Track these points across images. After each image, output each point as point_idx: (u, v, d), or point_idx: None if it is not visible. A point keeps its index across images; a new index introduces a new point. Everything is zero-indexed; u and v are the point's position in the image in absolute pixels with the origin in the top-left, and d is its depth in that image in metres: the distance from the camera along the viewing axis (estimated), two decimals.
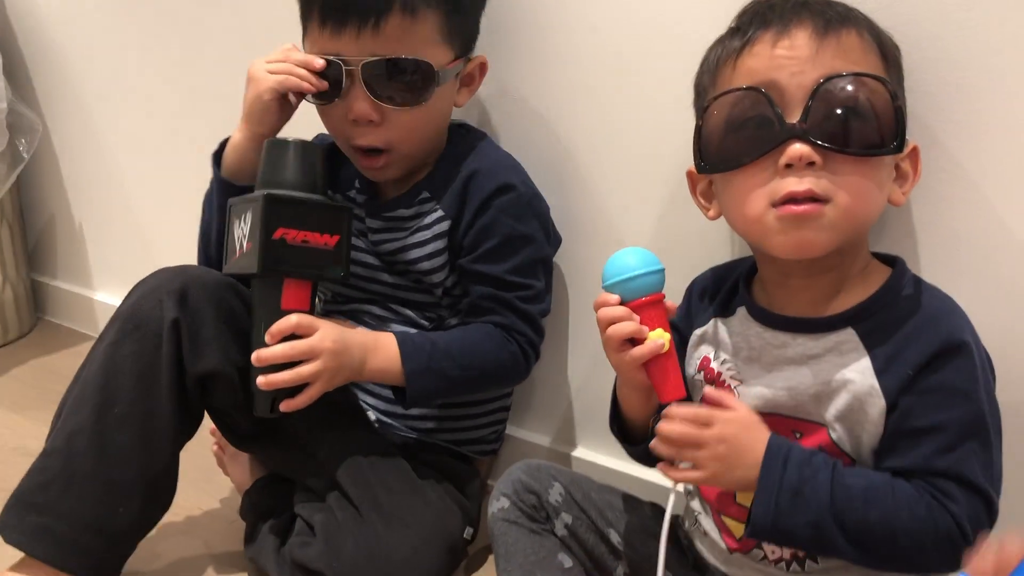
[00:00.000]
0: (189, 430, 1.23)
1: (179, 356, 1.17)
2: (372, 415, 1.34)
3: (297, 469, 1.30)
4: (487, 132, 1.39)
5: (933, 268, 1.09)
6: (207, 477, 1.51)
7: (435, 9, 1.20)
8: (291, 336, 1.13)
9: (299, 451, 1.27)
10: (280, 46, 1.25)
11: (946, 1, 1.04)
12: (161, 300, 1.17)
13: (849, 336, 0.98)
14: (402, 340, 1.21)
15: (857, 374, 0.95)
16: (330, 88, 1.21)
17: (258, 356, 1.12)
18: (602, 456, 1.45)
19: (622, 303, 1.00)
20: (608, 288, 1.01)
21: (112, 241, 2.11)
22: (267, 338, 1.12)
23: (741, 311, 1.08)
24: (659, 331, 0.99)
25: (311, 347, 1.12)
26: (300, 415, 1.22)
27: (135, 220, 2.04)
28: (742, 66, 0.98)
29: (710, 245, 1.24)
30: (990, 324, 0.99)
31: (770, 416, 1.00)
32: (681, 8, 1.21)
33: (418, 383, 1.20)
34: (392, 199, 1.32)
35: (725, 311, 1.10)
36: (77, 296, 2.19)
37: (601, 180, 1.35)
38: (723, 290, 1.12)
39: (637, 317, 0.99)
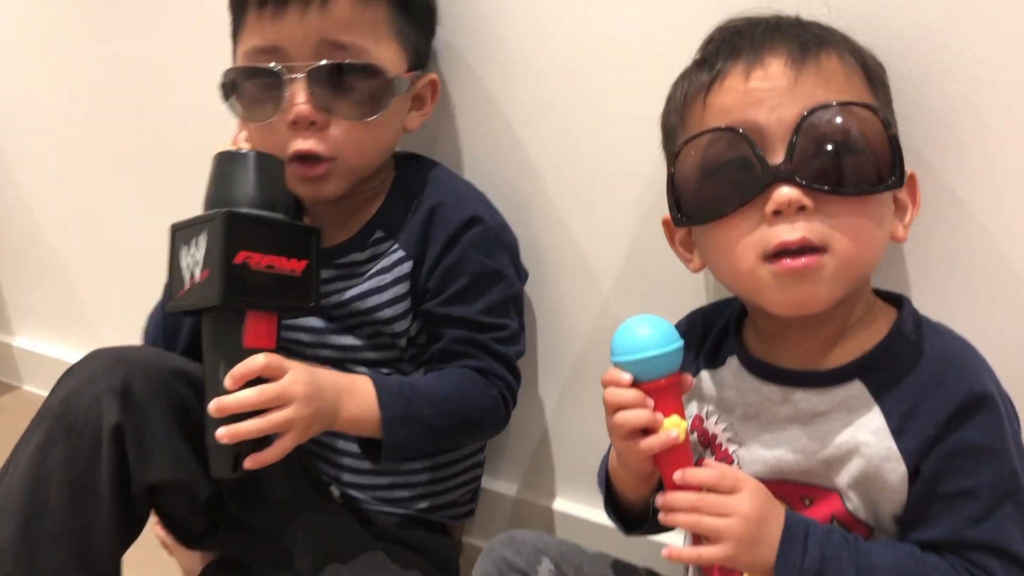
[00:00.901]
0: (133, 535, 1.10)
1: (122, 463, 1.03)
2: (335, 490, 1.22)
3: (257, 560, 1.18)
4: (439, 159, 1.27)
5: (925, 300, 0.99)
6: (152, 554, 1.37)
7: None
8: (256, 379, 0.97)
9: (259, 540, 1.15)
10: None
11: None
12: (99, 398, 1.02)
13: (858, 390, 0.88)
14: (379, 383, 1.08)
15: (871, 435, 0.86)
16: (269, 100, 1.08)
17: (218, 405, 0.94)
18: (583, 507, 1.36)
19: (635, 383, 0.87)
20: (620, 365, 0.87)
21: (31, 282, 1.99)
22: (228, 382, 0.96)
23: (732, 361, 0.98)
24: (675, 418, 0.86)
25: (282, 391, 0.97)
26: (259, 497, 1.11)
27: (55, 260, 1.92)
28: (713, 104, 0.88)
29: (694, 277, 1.14)
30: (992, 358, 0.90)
31: (776, 483, 0.90)
32: (650, 18, 1.10)
33: (396, 433, 1.07)
34: (341, 244, 1.18)
35: (714, 361, 1.00)
36: None
37: (567, 206, 1.25)
38: (710, 337, 1.02)
39: (651, 402, 0.86)
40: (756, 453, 0.93)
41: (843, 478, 0.88)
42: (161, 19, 1.55)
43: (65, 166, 1.82)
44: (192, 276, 0.97)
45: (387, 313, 1.16)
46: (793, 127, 0.83)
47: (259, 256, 0.96)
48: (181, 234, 0.99)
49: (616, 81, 1.15)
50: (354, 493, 1.22)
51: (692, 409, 1.00)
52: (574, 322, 1.29)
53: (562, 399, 1.35)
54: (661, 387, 0.86)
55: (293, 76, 1.06)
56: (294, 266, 0.99)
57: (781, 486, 0.90)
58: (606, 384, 0.88)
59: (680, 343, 0.86)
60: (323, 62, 1.07)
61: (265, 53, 1.09)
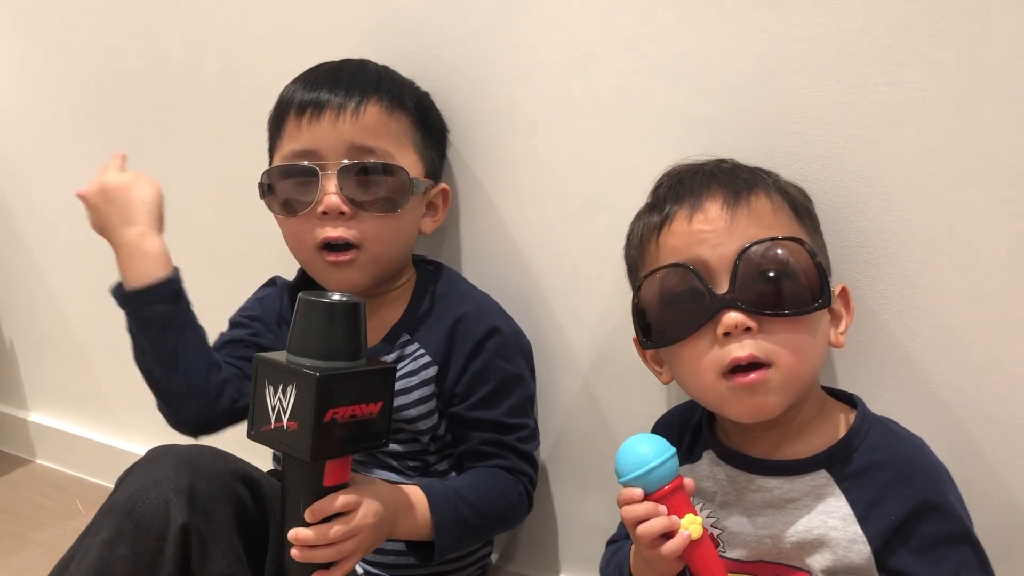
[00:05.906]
0: None
1: (184, 561, 1.11)
2: (359, 568, 1.31)
3: None
4: (446, 259, 1.42)
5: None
6: None
7: (408, 114, 1.27)
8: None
9: None
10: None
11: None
12: (167, 499, 1.10)
13: (825, 479, 1.01)
14: (428, 492, 1.19)
15: (839, 521, 0.98)
16: (303, 194, 1.22)
17: (296, 536, 1.03)
18: None
19: (645, 496, 0.96)
20: (628, 483, 0.96)
21: (47, 359, 2.06)
22: (307, 516, 1.04)
23: (708, 455, 1.09)
24: (690, 517, 0.94)
25: (356, 527, 1.05)
26: None
27: (71, 337, 1.99)
28: (665, 244, 1.02)
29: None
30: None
31: (754, 564, 1.02)
32: (639, 143, 1.24)
33: (446, 537, 1.18)
34: (372, 347, 1.28)
35: (690, 458, 1.11)
36: (9, 417, 2.13)
37: (559, 307, 1.38)
38: (686, 436, 1.13)
39: (664, 508, 0.94)
40: (736, 537, 1.04)
41: (814, 560, 0.99)
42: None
43: (83, 243, 1.80)
44: (279, 419, 1.03)
45: (413, 412, 1.27)
46: (733, 262, 0.97)
47: (344, 410, 1.01)
48: (267, 371, 1.03)
49: (611, 201, 1.27)
50: (376, 571, 1.31)
51: None
52: (566, 406, 1.42)
53: (566, 480, 1.45)
54: (667, 493, 0.95)
55: (326, 172, 1.21)
56: (372, 409, 1.05)
57: (760, 566, 1.02)
58: (622, 503, 0.97)
59: (673, 450, 0.96)
60: (352, 161, 1.21)
61: (301, 156, 1.24)
